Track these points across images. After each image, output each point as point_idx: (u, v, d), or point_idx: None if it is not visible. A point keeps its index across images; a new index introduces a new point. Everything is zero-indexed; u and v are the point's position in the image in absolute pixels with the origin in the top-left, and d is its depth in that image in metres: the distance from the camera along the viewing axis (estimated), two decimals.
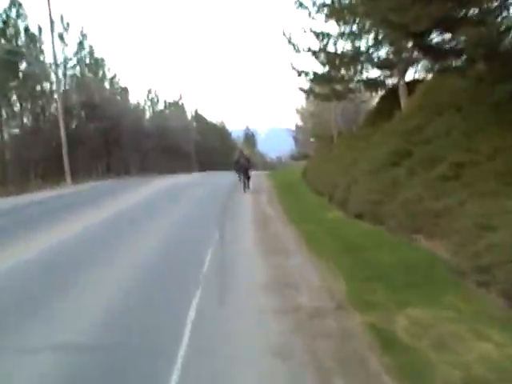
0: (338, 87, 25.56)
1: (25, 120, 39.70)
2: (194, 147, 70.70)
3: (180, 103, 73.62)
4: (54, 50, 34.05)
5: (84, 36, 46.09)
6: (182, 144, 65.70)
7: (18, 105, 38.91)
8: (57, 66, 35.60)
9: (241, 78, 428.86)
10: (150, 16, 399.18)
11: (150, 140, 56.54)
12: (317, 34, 24.17)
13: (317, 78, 25.21)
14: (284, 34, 25.04)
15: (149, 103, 63.51)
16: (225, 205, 18.48)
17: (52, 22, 33.23)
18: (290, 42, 25.07)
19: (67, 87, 43.99)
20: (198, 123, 78.47)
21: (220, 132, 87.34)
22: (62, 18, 43.04)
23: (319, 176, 21.62)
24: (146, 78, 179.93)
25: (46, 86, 41.04)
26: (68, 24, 43.45)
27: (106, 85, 51.97)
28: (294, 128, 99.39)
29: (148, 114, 64.01)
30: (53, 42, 33.89)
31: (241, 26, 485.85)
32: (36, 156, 35.43)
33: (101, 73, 49.62)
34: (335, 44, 24.32)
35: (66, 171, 33.78)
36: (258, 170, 45.52)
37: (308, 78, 25.36)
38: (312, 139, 63.50)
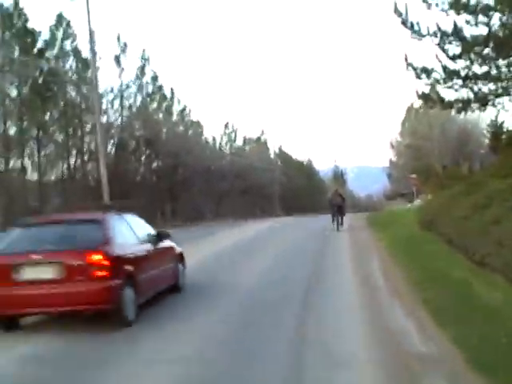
0: (482, 88, 16.00)
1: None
2: (277, 188, 61.90)
3: (262, 139, 65.46)
4: (94, 70, 26.24)
5: (146, 60, 38.80)
6: (264, 185, 57.09)
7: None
8: (98, 92, 27.76)
9: (327, 113, 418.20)
10: (230, 42, 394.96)
11: (226, 181, 48.20)
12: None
13: (449, 76, 15.99)
14: (396, 11, 16.24)
15: (226, 139, 55.68)
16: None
17: (91, 34, 25.40)
18: (404, 21, 16.16)
19: (124, 119, 36.45)
20: (283, 161, 69.84)
21: (307, 171, 78.36)
22: (118, 37, 36.01)
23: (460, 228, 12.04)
24: (222, 112, 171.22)
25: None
26: (126, 44, 36.22)
27: (175, 117, 44.41)
28: (387, 164, 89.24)
29: (225, 151, 55.98)
30: (93, 61, 26.11)
31: (328, 59, 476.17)
32: (71, 203, 27.54)
33: (166, 103, 42.01)
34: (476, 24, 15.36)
35: None
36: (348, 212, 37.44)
37: (431, 78, 16.28)
38: (413, 175, 53.25)
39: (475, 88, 15.90)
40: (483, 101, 15.50)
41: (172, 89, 45.50)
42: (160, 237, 9.68)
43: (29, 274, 7.23)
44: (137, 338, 6.83)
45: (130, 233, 8.62)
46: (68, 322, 7.82)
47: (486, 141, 61.90)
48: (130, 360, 5.89)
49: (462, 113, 16.52)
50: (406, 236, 16.46)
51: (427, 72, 16.39)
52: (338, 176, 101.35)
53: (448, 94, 17.01)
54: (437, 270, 9.85)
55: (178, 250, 10.48)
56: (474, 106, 16.03)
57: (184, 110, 45.65)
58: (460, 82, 16.02)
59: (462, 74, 15.81)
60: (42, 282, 7.19)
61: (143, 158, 38.95)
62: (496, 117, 38.26)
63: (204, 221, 39.32)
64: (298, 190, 68.32)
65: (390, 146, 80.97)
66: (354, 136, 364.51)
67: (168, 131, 40.73)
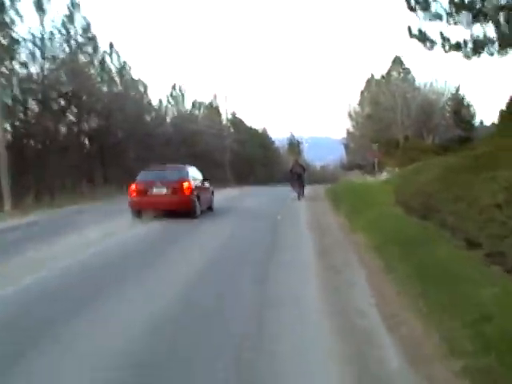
0: None
1: None
2: (229, 156, 56.59)
3: (214, 105, 59.66)
4: None
5: (76, 6, 32.70)
6: (215, 152, 51.65)
7: None
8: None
9: (283, 82, 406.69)
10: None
11: (170, 146, 42.64)
12: None
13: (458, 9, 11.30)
14: None
15: (172, 102, 49.66)
16: None
17: None
18: None
19: (47, 72, 30.42)
20: (236, 129, 64.34)
21: (261, 140, 73.09)
22: None
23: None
24: (171, 75, 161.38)
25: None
26: None
27: (113, 74, 38.39)
28: (342, 135, 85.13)
29: (172, 115, 50.08)
30: None
31: (287, 23, 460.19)
32: None
33: (101, 57, 35.93)
34: None
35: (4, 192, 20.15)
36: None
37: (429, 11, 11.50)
38: (374, 146, 48.85)
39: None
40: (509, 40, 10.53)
41: (111, 43, 39.44)
42: (205, 180, 19.44)
43: (155, 191, 16.22)
44: (200, 222, 15.80)
45: (195, 175, 18.22)
46: (167, 215, 16.01)
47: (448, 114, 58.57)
48: (199, 229, 14.50)
49: (474, 56, 11.48)
50: (401, 233, 11.05)
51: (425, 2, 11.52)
52: (294, 146, 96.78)
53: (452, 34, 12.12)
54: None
55: (212, 188, 20.21)
56: (493, 48, 11.05)
57: (123, 66, 39.58)
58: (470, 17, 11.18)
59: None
60: (160, 195, 16.20)
61: (70, 117, 32.85)
62: None
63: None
64: (251, 160, 63.24)
65: (348, 116, 76.53)
66: (310, 106, 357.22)
67: (101, 88, 34.85)
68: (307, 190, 26.85)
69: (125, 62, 39.45)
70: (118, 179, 32.44)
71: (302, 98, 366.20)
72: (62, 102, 32.07)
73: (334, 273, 7.95)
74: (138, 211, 16.13)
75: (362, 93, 74.04)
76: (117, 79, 39.20)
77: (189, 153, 47.24)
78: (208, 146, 50.32)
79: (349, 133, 79.75)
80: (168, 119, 48.71)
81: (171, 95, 49.15)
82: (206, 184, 18.97)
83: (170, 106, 49.23)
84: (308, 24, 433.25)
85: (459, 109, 58.65)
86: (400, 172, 30.35)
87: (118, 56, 39.36)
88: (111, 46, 39.17)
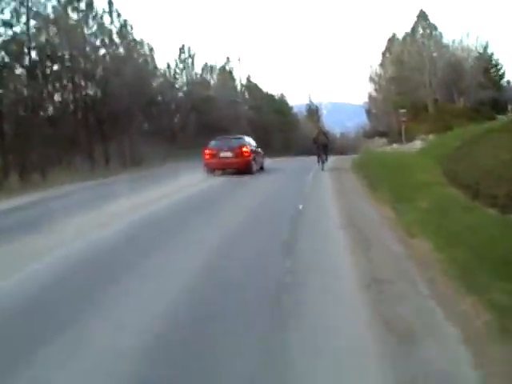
0: None
1: None
2: (244, 125, 52.51)
3: (227, 69, 55.33)
4: None
5: None
6: (229, 121, 47.63)
7: None
8: None
9: (300, 46, 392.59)
10: None
11: (179, 115, 38.80)
12: None
13: None
14: None
15: (181, 66, 45.42)
16: None
17: None
18: None
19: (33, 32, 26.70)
20: (251, 94, 60.01)
21: (278, 106, 68.60)
22: None
23: None
24: (178, 35, 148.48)
25: None
26: None
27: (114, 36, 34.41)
28: (361, 101, 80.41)
29: (180, 80, 45.91)
30: None
31: None
32: None
33: (96, 15, 31.87)
34: None
35: None
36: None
37: None
38: (402, 110, 44.36)
39: None
40: None
41: (110, 0, 35.33)
42: (257, 146, 24.31)
43: (222, 154, 21.31)
44: (256, 177, 20.81)
45: (251, 142, 23.55)
46: (232, 173, 21.08)
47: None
48: (256, 181, 19.62)
49: None
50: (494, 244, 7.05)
51: None
52: (313, 112, 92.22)
53: None
54: None
55: (262, 152, 25.13)
56: None
57: (124, 26, 35.49)
58: None
59: None
60: (227, 157, 21.32)
61: (63, 84, 29.05)
62: None
63: (144, 166, 30.18)
64: (268, 127, 59.09)
65: (369, 79, 71.60)
66: (328, 71, 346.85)
67: (98, 50, 30.96)
68: (332, 163, 23.46)
69: (125, 21, 35.29)
70: (121, 155, 28.79)
71: (320, 63, 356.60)
72: (55, 67, 28.29)
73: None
74: (212, 169, 21.77)
75: (384, 53, 69.04)
76: (117, 41, 35.19)
77: (201, 121, 43.50)
78: (221, 113, 46.31)
79: (371, 97, 74.85)
80: (177, 85, 44.61)
81: (179, 58, 44.96)
82: (259, 150, 24.51)
83: (178, 70, 45.03)
84: None
85: (488, 68, 53.71)
86: (437, 140, 26.34)
87: (119, 15, 35.27)
88: (110, 3, 35.04)
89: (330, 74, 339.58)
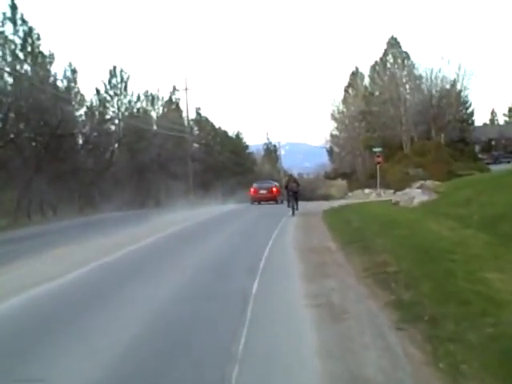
0: None
1: None
2: (192, 165, 43.77)
3: (173, 99, 46.78)
4: None
5: None
6: (171, 160, 38.91)
7: None
8: None
9: (256, 86, 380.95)
10: None
11: (104, 153, 29.86)
12: None
13: None
14: None
15: (111, 92, 36.35)
16: None
17: None
18: None
19: None
20: (202, 131, 51.58)
21: (234, 145, 60.21)
22: None
23: None
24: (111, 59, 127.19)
25: None
26: None
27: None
28: (327, 138, 72.80)
29: (113, 110, 36.71)
30: None
31: (260, 24, 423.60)
32: None
33: None
34: None
35: None
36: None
37: None
38: (377, 149, 36.45)
39: None
40: None
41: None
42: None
43: (261, 192, 33.58)
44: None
45: (276, 184, 36.16)
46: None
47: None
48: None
49: None
50: None
51: None
52: (271, 151, 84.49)
53: None
54: None
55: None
56: None
57: (29, 34, 26.58)
58: None
59: None
60: (264, 194, 33.41)
61: None
62: None
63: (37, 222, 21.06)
64: (220, 168, 50.52)
65: (331, 117, 64.31)
66: (285, 111, 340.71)
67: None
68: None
69: (31, 29, 26.37)
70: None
71: (278, 103, 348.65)
72: None
73: None
74: (255, 201, 32.32)
75: (347, 89, 62.02)
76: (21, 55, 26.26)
77: (135, 160, 34.62)
78: (163, 150, 37.55)
79: (332, 136, 67.62)
80: (108, 116, 35.62)
81: (109, 83, 36.07)
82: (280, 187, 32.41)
83: (108, 98, 36.06)
84: (281, 24, 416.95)
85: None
86: (463, 193, 18.07)
87: (24, 21, 26.45)
88: (13, 6, 26.29)
89: (287, 114, 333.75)
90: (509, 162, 51.34)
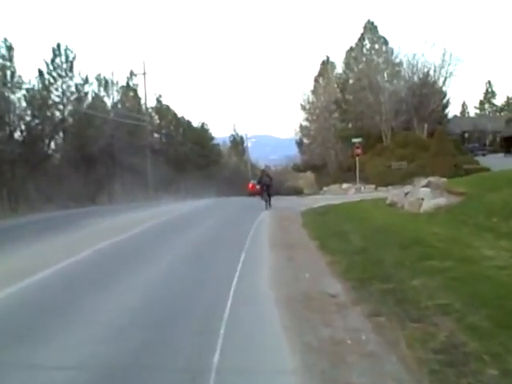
0: None
1: None
2: (150, 157, 38.95)
3: (130, 83, 41.75)
4: None
5: None
6: (124, 150, 34.03)
7: None
8: None
9: (221, 77, 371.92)
10: None
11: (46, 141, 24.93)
12: None
13: None
14: None
15: (55, 73, 31.01)
16: None
17: None
18: None
19: None
20: (162, 120, 46.69)
21: (198, 136, 55.43)
22: None
23: None
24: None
25: None
26: None
27: None
28: (295, 131, 68.79)
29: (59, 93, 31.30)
30: None
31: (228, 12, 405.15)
32: None
33: None
34: None
35: None
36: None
37: None
38: (356, 139, 32.34)
39: None
40: None
41: None
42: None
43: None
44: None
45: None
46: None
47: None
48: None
49: None
50: None
51: None
52: (238, 143, 79.98)
53: None
54: None
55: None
56: None
57: None
58: None
59: None
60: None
61: None
62: None
63: None
64: (183, 161, 45.80)
65: (301, 107, 60.26)
66: (251, 104, 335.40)
67: None
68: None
69: None
70: None
71: (243, 95, 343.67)
72: None
73: None
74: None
75: (317, 79, 57.99)
76: None
77: (81, 150, 29.75)
78: (115, 140, 32.68)
79: (302, 127, 63.56)
80: (50, 101, 30.38)
81: (52, 62, 30.80)
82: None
83: (51, 80, 30.81)
84: (249, 12, 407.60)
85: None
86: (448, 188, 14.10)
87: None
88: None
89: (253, 106, 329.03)
90: (483, 154, 48.68)
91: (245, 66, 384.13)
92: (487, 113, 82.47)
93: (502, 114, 76.08)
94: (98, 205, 29.82)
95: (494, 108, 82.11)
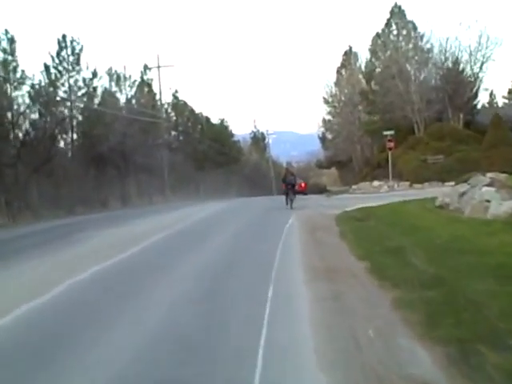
0: None
1: None
2: (167, 156, 36.53)
3: (145, 80, 39.34)
4: None
5: None
6: (144, 152, 31.72)
7: None
8: None
9: (242, 74, 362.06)
10: None
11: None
12: None
13: None
14: None
15: (61, 68, 28.50)
16: None
17: None
18: None
19: None
20: (179, 116, 44.21)
21: (218, 133, 52.89)
22: None
23: None
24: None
25: None
26: None
27: None
28: (319, 126, 65.95)
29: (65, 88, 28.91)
30: None
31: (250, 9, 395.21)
32: None
33: None
34: None
35: None
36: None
37: None
38: (388, 132, 29.49)
39: None
40: None
41: None
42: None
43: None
44: None
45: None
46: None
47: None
48: None
49: None
50: None
51: None
52: (259, 140, 77.14)
53: None
54: None
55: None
56: None
57: None
58: None
59: None
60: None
61: None
62: None
63: None
64: (202, 159, 43.31)
65: (324, 101, 57.28)
66: (271, 100, 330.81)
67: None
68: None
69: None
70: None
71: (264, 92, 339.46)
72: None
73: None
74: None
75: (339, 70, 55.06)
76: None
77: (92, 149, 27.45)
78: (128, 139, 30.28)
79: (325, 121, 60.58)
80: (58, 97, 28.01)
81: (58, 56, 28.33)
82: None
83: (58, 74, 28.34)
84: (270, 6, 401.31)
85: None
86: None
87: None
88: None
89: (273, 102, 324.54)
90: None
91: (265, 60, 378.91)
92: None
93: None
94: (110, 210, 27.41)
95: None
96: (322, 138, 63.73)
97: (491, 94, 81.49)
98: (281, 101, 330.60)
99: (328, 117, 59.14)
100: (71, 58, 27.98)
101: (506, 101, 78.73)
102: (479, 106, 47.28)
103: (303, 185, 37.59)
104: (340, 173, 64.46)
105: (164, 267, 8.82)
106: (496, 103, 79.36)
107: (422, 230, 10.27)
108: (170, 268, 8.78)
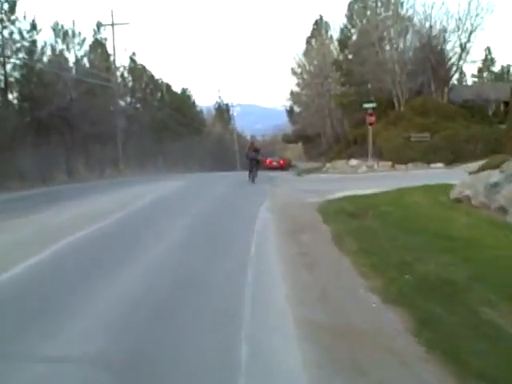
0: None
1: None
2: (122, 124, 32.50)
3: (99, 39, 34.84)
4: None
5: None
6: (95, 120, 27.63)
7: None
8: None
9: (206, 45, 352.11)
10: None
11: None
12: None
13: None
14: None
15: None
16: None
17: None
18: None
19: None
20: (136, 81, 39.87)
21: (179, 102, 48.73)
22: None
23: None
24: None
25: None
26: None
27: None
28: (287, 97, 62.54)
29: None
30: None
31: None
32: None
33: None
34: None
35: None
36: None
37: None
38: (369, 105, 26.22)
39: None
40: None
41: None
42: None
43: (271, 162, 40.01)
44: None
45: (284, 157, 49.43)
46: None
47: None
48: None
49: None
50: None
51: None
52: (223, 111, 73.18)
53: None
54: None
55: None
56: None
57: None
58: None
59: None
60: (274, 165, 39.60)
61: None
62: None
63: None
64: (161, 129, 39.28)
65: (292, 72, 53.67)
66: (235, 72, 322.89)
67: None
68: None
69: None
70: None
71: (228, 63, 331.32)
72: None
73: None
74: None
75: (309, 41, 51.54)
76: None
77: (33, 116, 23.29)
78: (75, 104, 26.12)
79: (293, 94, 57.01)
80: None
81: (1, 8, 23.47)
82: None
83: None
84: None
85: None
86: None
87: None
88: None
89: (237, 74, 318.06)
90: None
91: (232, 30, 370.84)
92: (485, 81, 76.21)
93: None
94: (51, 185, 23.37)
95: (493, 76, 75.87)
96: (290, 112, 60.35)
97: (461, 72, 79.16)
98: (246, 73, 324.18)
99: (296, 89, 55.72)
100: (6, 6, 23.44)
101: (476, 79, 76.95)
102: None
103: (282, 162, 41.44)
104: (305, 148, 61.28)
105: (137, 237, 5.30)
106: (466, 81, 77.45)
107: (462, 243, 6.88)
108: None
